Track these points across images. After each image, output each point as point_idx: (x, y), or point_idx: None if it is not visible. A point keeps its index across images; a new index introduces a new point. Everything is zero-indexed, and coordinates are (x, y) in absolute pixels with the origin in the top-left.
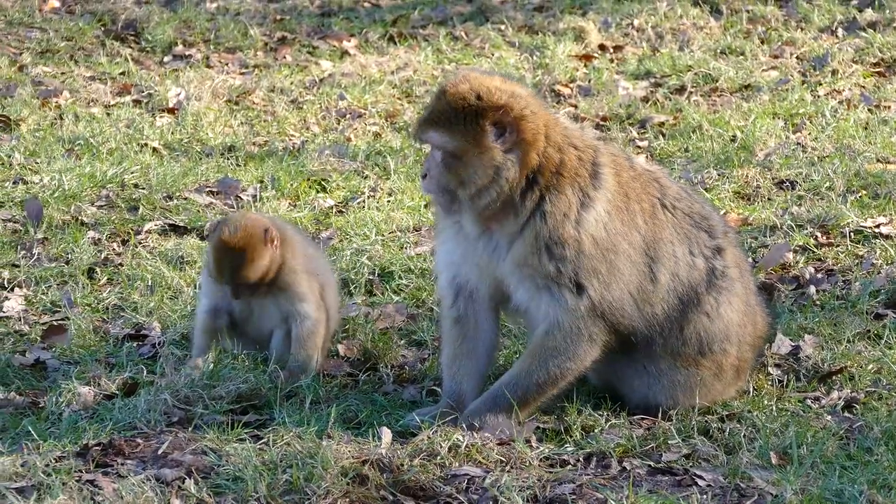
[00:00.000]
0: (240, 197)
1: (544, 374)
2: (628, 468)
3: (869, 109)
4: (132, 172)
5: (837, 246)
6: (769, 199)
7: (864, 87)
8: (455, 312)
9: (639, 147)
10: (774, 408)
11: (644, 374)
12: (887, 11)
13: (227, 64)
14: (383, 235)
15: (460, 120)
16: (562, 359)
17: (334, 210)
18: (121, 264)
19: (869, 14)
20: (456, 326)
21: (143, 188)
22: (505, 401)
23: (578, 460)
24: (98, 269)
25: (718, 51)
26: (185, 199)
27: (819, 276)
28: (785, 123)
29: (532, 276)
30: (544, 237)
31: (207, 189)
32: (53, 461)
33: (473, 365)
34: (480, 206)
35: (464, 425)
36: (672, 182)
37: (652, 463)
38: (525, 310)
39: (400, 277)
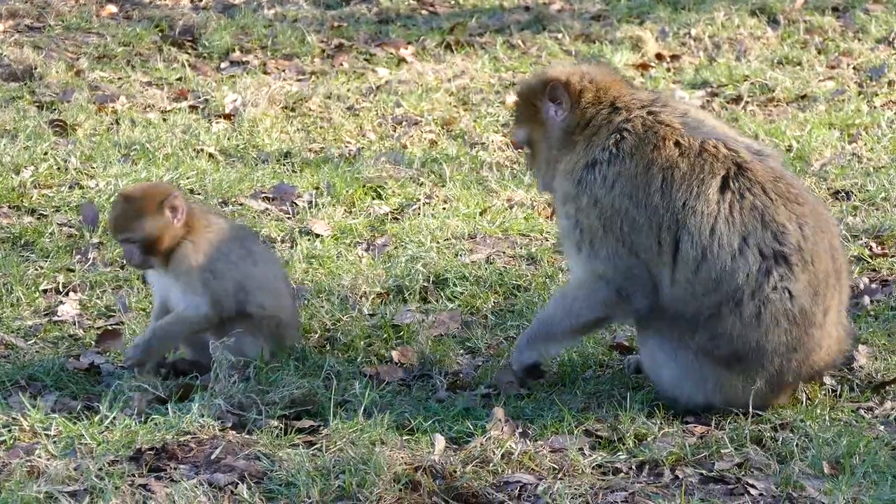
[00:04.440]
0: (295, 203)
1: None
2: (681, 477)
3: None
4: (188, 178)
5: (892, 256)
6: None
7: None
8: None
9: None
10: (827, 417)
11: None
12: None
13: (283, 70)
14: (438, 242)
15: (523, 106)
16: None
17: (389, 217)
18: None
19: None
20: None
21: (199, 193)
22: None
23: (631, 468)
24: None
25: (775, 61)
26: (241, 204)
27: (874, 286)
28: (841, 134)
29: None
30: (557, 191)
31: (263, 195)
32: (106, 465)
33: None
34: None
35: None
36: (771, 168)
37: (704, 471)
38: None
39: (454, 285)
